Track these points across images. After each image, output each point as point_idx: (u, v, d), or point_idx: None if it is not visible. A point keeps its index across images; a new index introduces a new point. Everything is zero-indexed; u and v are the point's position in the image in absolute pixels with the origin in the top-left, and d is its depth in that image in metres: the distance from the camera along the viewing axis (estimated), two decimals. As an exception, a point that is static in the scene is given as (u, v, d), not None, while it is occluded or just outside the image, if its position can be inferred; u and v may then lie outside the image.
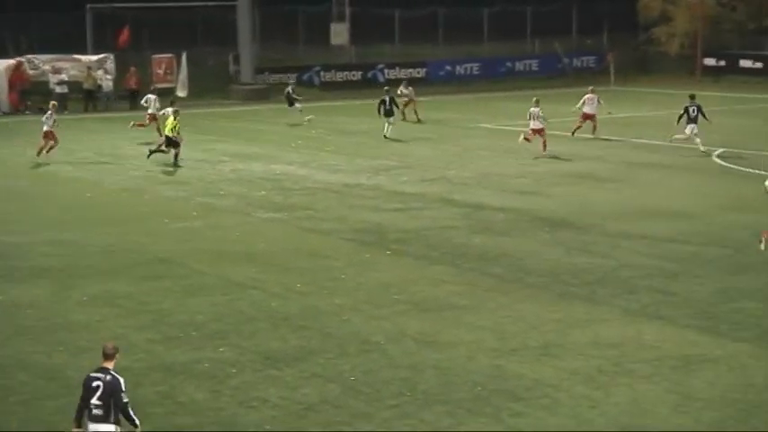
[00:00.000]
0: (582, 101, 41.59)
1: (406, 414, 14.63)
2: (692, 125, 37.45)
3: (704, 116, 37.66)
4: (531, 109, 37.74)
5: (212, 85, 58.51)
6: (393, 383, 15.70)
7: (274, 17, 63.44)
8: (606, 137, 41.15)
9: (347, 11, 67.04)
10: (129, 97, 53.71)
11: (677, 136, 37.94)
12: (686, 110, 37.78)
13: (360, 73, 63.92)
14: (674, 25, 68.02)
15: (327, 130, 45.53)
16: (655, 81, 64.75)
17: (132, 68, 54.83)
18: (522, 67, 68.26)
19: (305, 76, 60.93)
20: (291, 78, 55.45)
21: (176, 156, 36.20)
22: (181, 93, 54.58)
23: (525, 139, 37.77)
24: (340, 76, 63.41)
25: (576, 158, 36.85)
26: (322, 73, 62.53)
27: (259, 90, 58.05)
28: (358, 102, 56.04)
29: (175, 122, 36.24)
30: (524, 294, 20.39)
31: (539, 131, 37.56)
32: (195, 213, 28.44)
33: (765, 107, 52.74)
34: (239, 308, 19.68)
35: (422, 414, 14.61)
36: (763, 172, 33.14)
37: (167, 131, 36.40)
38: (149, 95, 42.50)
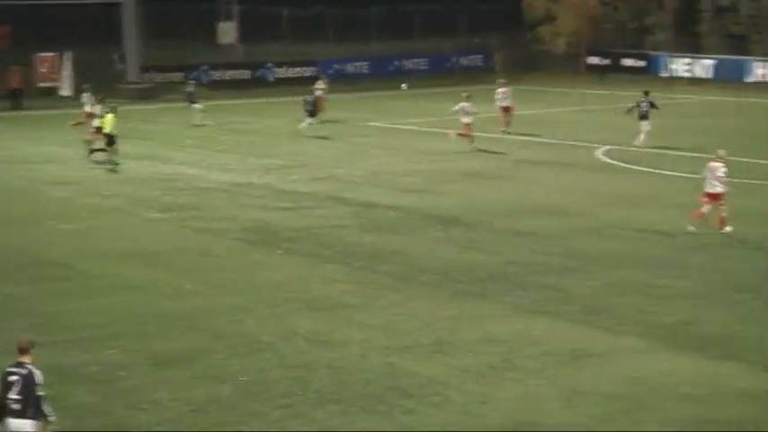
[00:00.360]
0: (498, 96, 42.45)
1: (298, 413, 14.63)
2: (645, 121, 38.06)
3: (655, 106, 38.34)
4: (462, 104, 38.47)
5: (98, 84, 57.64)
6: (285, 383, 15.69)
7: (161, 15, 62.73)
8: (494, 135, 41.57)
9: (235, 9, 66.66)
10: (11, 97, 52.64)
11: (637, 142, 37.93)
12: (638, 105, 38.51)
13: (249, 72, 63.59)
14: (558, 24, 69.00)
15: (217, 129, 45.23)
16: (541, 79, 65.54)
17: (14, 68, 53.75)
18: (410, 66, 68.59)
19: (193, 75, 60.41)
20: (186, 77, 54.61)
21: (114, 152, 35.80)
22: (65, 92, 53.70)
23: (459, 134, 38.41)
24: (229, 74, 63.00)
25: (464, 157, 37.16)
26: (210, 72, 62.07)
27: (146, 89, 57.39)
28: (247, 101, 55.80)
29: (114, 119, 35.93)
30: (416, 292, 20.52)
31: (468, 126, 38.28)
32: (84, 214, 28.05)
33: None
34: (129, 309, 19.47)
35: (314, 413, 14.62)
36: (645, 168, 33.85)
37: (108, 129, 35.91)
38: (84, 93, 41.85)
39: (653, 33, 67.70)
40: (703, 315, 18.56)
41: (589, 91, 58.62)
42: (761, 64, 61.44)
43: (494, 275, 21.51)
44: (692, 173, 32.72)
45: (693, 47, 65.02)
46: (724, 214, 24.83)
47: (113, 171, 34.66)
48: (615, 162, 35.58)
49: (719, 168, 25.12)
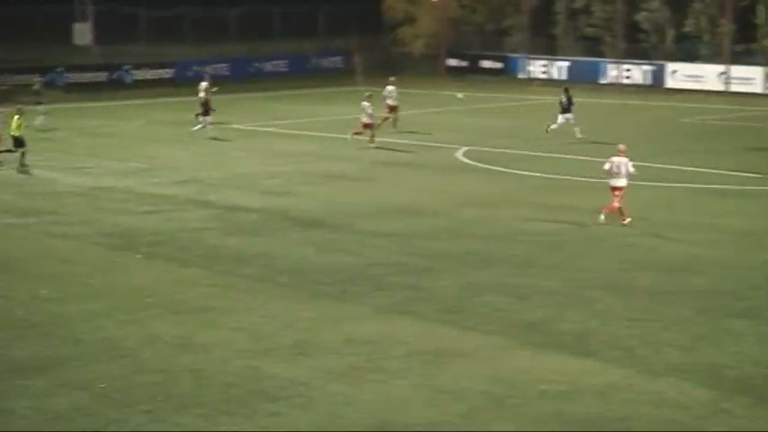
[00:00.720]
0: (385, 95, 42.79)
1: (159, 418, 14.46)
2: (567, 115, 40.37)
3: (571, 102, 40.57)
4: (363, 103, 39.23)
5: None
6: (146, 388, 15.49)
7: (12, 16, 61.34)
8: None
9: (90, 10, 65.55)
10: None
11: (553, 126, 40.40)
12: (560, 101, 40.70)
13: (105, 74, 62.62)
14: (418, 26, 69.65)
15: (74, 132, 44.43)
16: (401, 81, 65.99)
17: None
18: (270, 68, 68.45)
19: (47, 77, 59.19)
20: (37, 78, 53.62)
21: (23, 155, 34.91)
22: None
23: (354, 133, 39.32)
24: (85, 77, 61.89)
25: (325, 158, 37.23)
26: (66, 74, 60.89)
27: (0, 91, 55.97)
28: (105, 103, 54.95)
29: (20, 121, 35.08)
30: (278, 294, 20.47)
31: (368, 126, 39.16)
32: (-66, 220, 27.29)
33: (505, 106, 54.67)
34: (-17, 317, 19.00)
35: (176, 418, 14.47)
36: (503, 169, 34.35)
37: (13, 131, 35.00)
38: None
39: (510, 35, 68.79)
40: (562, 313, 18.90)
41: (449, 92, 59.23)
42: (614, 66, 62.91)
43: (355, 277, 21.58)
44: (547, 172, 33.39)
45: (549, 49, 66.26)
46: (617, 205, 25.99)
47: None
48: (474, 162, 36.03)
49: (625, 162, 26.12)
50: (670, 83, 60.33)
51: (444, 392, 15.28)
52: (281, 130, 44.54)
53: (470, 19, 70.57)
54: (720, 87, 57.51)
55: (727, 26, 58.67)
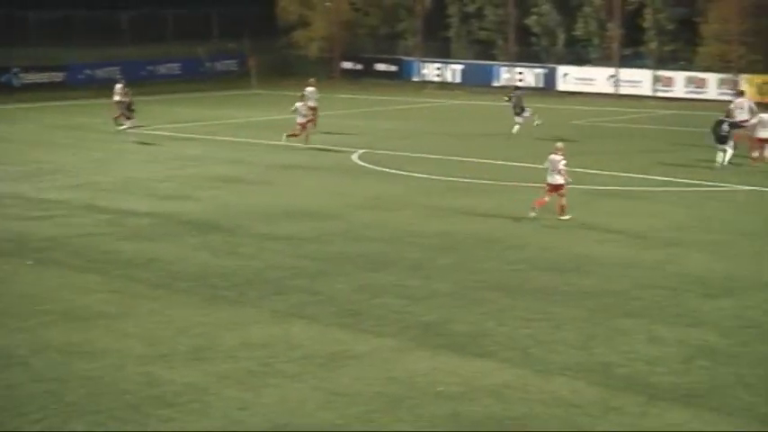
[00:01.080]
0: (307, 95, 42.81)
1: (51, 426, 14.25)
2: (525, 114, 42.07)
3: (510, 99, 42.73)
4: (297, 104, 40.26)
5: None
6: (38, 397, 15.25)
7: None
8: (250, 139, 41.57)
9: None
10: None
11: (515, 129, 42.03)
12: (510, 98, 42.31)
13: (-7, 77, 61.53)
14: (312, 29, 69.67)
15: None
16: (296, 84, 65.79)
17: None
18: (164, 71, 67.87)
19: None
20: None
21: None
22: None
23: (289, 135, 40.05)
24: (-28, 80, 60.78)
25: (221, 161, 37.04)
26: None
27: None
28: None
29: None
30: (174, 299, 20.31)
31: (304, 125, 39.96)
32: None
33: (399, 109, 54.96)
34: None
35: (69, 425, 14.28)
36: (398, 171, 34.50)
37: None
38: None
39: (405, 39, 69.15)
40: (457, 314, 19.05)
41: (343, 95, 59.34)
42: (507, 68, 63.59)
43: (251, 280, 21.51)
44: (442, 175, 33.64)
45: (443, 52, 66.76)
46: (564, 203, 26.54)
47: None
48: (370, 165, 36.14)
49: (559, 161, 26.70)
50: (561, 85, 61.19)
51: (341, 395, 15.31)
52: (177, 134, 44.17)
53: (364, 22, 70.83)
54: (610, 90, 58.50)
55: (615, 30, 59.68)
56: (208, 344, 17.56)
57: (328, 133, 43.20)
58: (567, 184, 26.83)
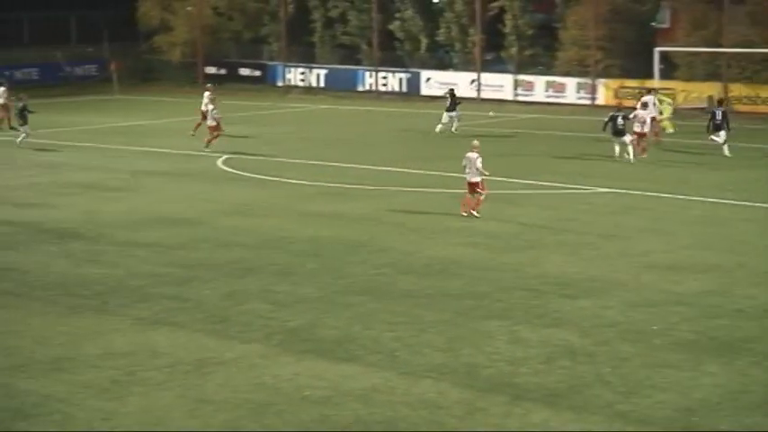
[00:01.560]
0: (205, 100, 42.31)
1: None
2: (452, 113, 44.59)
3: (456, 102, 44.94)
4: (209, 106, 40.58)
5: None
6: None
7: None
8: (112, 146, 40.97)
9: None
10: None
11: (439, 126, 44.02)
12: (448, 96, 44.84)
13: None
14: (174, 34, 68.95)
15: None
16: (159, 89, 65.30)
17: None
18: (21, 76, 66.40)
19: None
20: None
21: None
22: None
23: (209, 140, 39.93)
24: None
25: (83, 168, 36.42)
26: None
27: None
28: None
29: None
30: (32, 309, 19.88)
31: (215, 128, 39.95)
32: None
33: (262, 114, 54.82)
34: None
35: (-74, 442, 13.88)
36: (264, 176, 34.37)
37: None
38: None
39: (269, 43, 68.92)
40: (323, 318, 19.06)
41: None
42: (371, 73, 63.86)
43: (114, 288, 21.19)
44: (308, 180, 33.63)
45: (307, 57, 66.72)
46: (482, 198, 27.49)
47: None
48: (235, 171, 35.92)
49: (476, 158, 27.43)
50: (425, 90, 61.65)
51: (207, 402, 15.19)
52: (35, 140, 43.22)
53: (228, 27, 70.37)
54: (473, 94, 59.12)
55: (476, 35, 60.40)
56: (68, 354, 17.24)
57: (193, 136, 42.83)
58: (484, 176, 27.63)
